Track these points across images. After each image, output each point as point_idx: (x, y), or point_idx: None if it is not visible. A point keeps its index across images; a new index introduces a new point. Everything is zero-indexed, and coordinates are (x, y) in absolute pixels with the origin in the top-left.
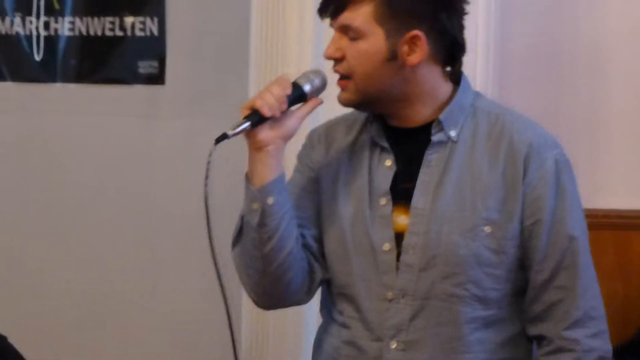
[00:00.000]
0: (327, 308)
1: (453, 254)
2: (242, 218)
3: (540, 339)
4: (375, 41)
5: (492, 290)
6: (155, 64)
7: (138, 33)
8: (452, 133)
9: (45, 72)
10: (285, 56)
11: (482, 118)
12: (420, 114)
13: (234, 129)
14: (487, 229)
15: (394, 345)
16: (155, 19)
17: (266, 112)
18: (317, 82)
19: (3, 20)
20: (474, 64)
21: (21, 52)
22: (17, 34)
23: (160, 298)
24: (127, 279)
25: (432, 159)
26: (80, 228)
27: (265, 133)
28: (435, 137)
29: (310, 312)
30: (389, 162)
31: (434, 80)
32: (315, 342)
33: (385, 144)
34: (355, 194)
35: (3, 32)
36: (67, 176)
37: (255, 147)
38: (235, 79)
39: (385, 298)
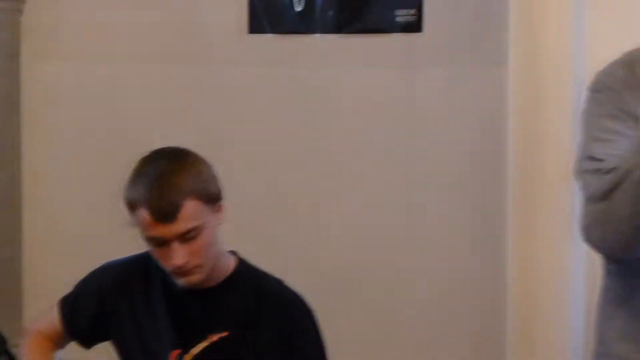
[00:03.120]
0: None
1: None
2: (627, 172)
3: None
4: None
5: None
6: (412, 11)
7: None
8: None
9: (304, 24)
10: (545, 0)
11: None
12: None
13: None
14: None
15: None
16: None
17: None
18: None
19: None
20: None
21: (281, 4)
22: None
23: (426, 255)
24: (390, 232)
25: None
26: (341, 181)
27: None
28: None
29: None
30: None
31: None
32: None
33: None
34: None
35: None
36: (326, 128)
37: None
38: (495, 25)
39: None
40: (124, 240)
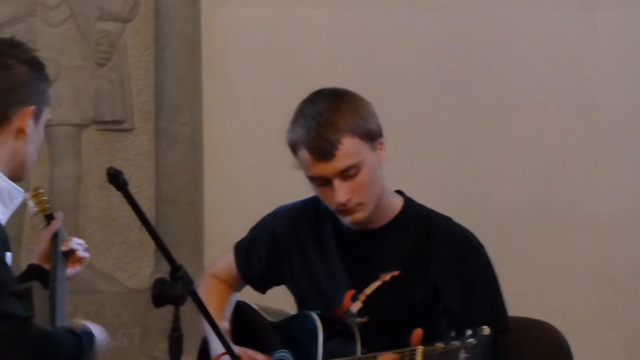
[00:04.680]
0: None
1: None
2: None
3: None
4: None
5: None
6: None
7: None
8: None
9: None
10: None
11: None
12: None
13: None
14: None
15: None
16: None
17: None
18: None
19: None
20: None
21: None
22: None
23: (605, 200)
24: (567, 175)
25: None
26: (519, 121)
27: None
28: None
29: None
30: None
31: None
32: None
33: None
34: None
35: None
36: (502, 70)
37: None
38: None
39: None
40: (301, 183)
